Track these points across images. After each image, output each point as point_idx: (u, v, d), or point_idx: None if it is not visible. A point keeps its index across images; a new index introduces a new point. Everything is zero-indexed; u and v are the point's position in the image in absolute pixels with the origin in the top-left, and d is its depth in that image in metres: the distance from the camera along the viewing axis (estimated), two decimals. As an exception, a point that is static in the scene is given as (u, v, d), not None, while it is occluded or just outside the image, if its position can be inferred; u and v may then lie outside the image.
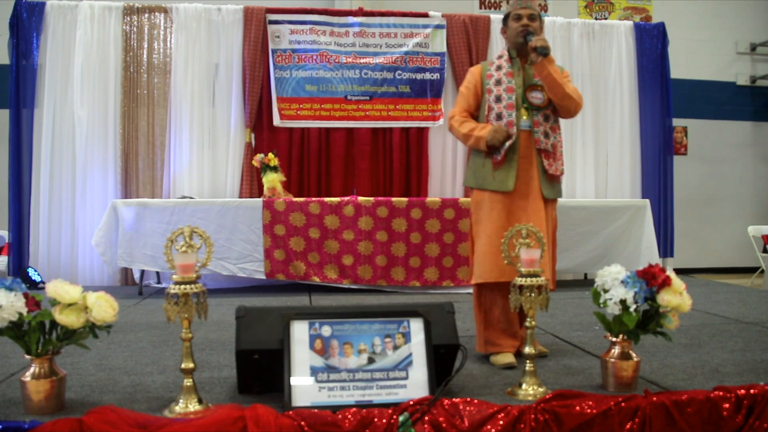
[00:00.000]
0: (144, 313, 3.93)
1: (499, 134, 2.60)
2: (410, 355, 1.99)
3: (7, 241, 5.32)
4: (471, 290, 2.87)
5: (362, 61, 5.75)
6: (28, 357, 1.97)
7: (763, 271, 6.10)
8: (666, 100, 6.19)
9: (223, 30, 5.61)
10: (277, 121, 5.64)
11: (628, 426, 1.80)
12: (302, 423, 1.69)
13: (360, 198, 4.82)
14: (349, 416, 1.72)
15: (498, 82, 2.70)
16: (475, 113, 2.78)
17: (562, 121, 2.82)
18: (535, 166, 2.67)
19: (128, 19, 5.53)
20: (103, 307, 1.97)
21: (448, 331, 2.14)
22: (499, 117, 2.66)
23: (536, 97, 2.67)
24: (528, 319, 2.18)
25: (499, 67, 2.73)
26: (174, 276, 1.94)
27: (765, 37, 7.19)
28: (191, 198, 5.09)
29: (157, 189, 5.53)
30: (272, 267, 4.69)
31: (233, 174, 5.61)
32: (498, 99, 2.68)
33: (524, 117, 2.67)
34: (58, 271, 5.22)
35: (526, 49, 2.66)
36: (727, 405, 1.88)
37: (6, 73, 5.41)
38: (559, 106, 2.68)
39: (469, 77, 2.82)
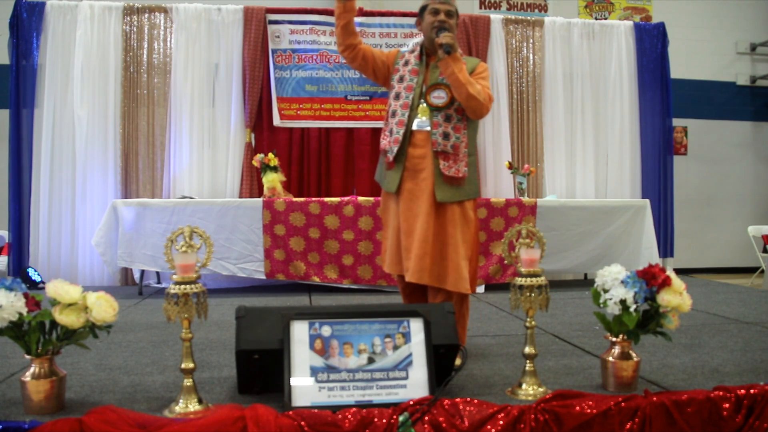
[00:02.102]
0: (144, 313, 3.93)
1: None
2: (410, 355, 1.99)
3: (7, 241, 5.32)
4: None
5: (362, 61, 5.74)
6: (28, 357, 1.97)
7: (763, 271, 6.10)
8: (666, 100, 6.19)
9: (223, 30, 5.61)
10: (277, 121, 5.64)
11: (628, 426, 1.80)
12: (302, 423, 1.69)
13: (360, 198, 4.82)
14: (349, 416, 1.72)
15: (401, 79, 2.65)
16: (369, 64, 2.69)
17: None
18: (429, 168, 2.56)
19: (128, 19, 5.53)
20: (103, 307, 1.97)
21: (448, 331, 2.13)
22: (393, 114, 2.63)
23: (438, 96, 2.57)
24: (528, 319, 2.18)
25: (406, 63, 2.67)
26: (174, 276, 1.94)
27: (765, 37, 7.19)
28: (191, 198, 5.09)
29: (157, 189, 5.53)
30: (272, 267, 4.69)
31: (233, 174, 5.61)
32: (397, 96, 2.64)
33: (422, 117, 2.59)
34: (58, 271, 5.22)
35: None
36: (727, 405, 1.88)
37: (6, 73, 5.41)
38: (464, 107, 2.55)
39: (388, 52, 2.77)
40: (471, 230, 2.61)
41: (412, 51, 2.70)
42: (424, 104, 2.59)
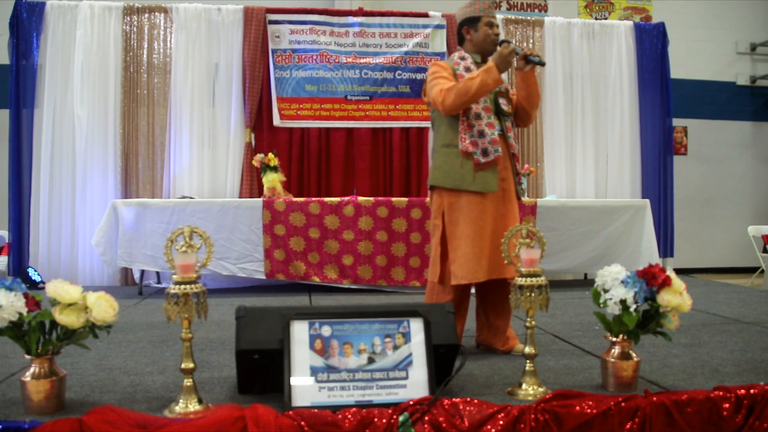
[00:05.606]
0: (144, 313, 3.93)
1: (504, 51, 2.53)
2: (410, 355, 1.99)
3: (7, 241, 5.32)
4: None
5: (362, 61, 5.75)
6: (28, 357, 1.97)
7: (763, 271, 6.10)
8: (666, 100, 6.20)
9: (223, 30, 5.61)
10: (277, 121, 5.65)
11: (628, 426, 1.80)
12: (302, 423, 1.69)
13: (360, 198, 4.82)
14: (349, 416, 1.72)
15: None
16: None
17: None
18: (509, 169, 2.76)
19: (128, 19, 5.54)
20: (103, 307, 1.97)
21: (448, 331, 2.13)
22: (478, 117, 2.64)
23: (505, 103, 2.75)
24: (528, 319, 2.18)
25: (468, 69, 2.69)
26: (174, 276, 1.93)
27: (765, 37, 7.19)
28: (191, 198, 5.09)
29: (157, 189, 5.53)
30: (272, 267, 4.69)
31: (233, 174, 5.62)
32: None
33: (496, 122, 2.72)
34: (58, 271, 5.22)
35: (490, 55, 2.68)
36: (727, 405, 1.88)
37: (6, 73, 5.41)
38: (526, 114, 2.79)
39: (444, 65, 2.74)
40: None
41: (463, 58, 2.75)
42: (497, 109, 2.73)
